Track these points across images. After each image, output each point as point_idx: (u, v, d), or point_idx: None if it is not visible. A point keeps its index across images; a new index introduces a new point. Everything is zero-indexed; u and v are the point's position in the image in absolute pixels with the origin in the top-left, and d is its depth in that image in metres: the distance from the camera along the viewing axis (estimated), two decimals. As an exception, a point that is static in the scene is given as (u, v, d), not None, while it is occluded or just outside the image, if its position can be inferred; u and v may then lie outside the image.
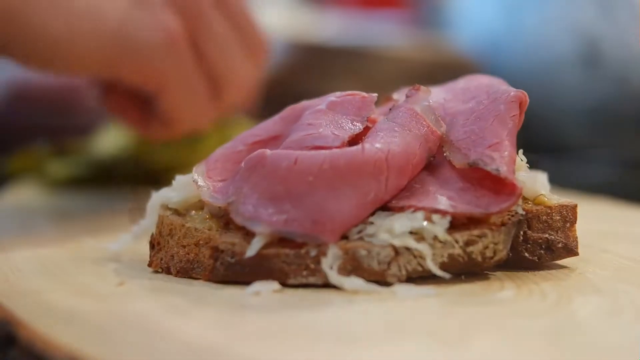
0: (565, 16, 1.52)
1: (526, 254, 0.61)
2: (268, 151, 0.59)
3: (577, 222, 0.62)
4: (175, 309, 0.53)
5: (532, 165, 0.65)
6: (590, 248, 0.66)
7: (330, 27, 1.70)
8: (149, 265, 0.62)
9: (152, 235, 0.63)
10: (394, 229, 0.57)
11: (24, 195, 0.96)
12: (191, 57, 0.81)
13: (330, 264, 0.57)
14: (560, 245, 0.61)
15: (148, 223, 0.64)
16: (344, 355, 0.46)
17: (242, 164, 0.59)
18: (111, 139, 1.04)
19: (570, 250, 0.61)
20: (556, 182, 1.04)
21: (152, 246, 0.62)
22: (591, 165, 1.48)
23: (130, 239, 0.65)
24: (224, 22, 0.83)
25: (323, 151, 0.58)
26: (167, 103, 0.83)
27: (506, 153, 0.59)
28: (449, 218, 0.58)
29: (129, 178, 0.99)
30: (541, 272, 0.61)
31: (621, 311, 0.53)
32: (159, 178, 0.89)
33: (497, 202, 0.58)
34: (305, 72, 1.53)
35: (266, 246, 0.57)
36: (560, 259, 0.62)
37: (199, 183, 0.62)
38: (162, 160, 0.98)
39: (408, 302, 0.54)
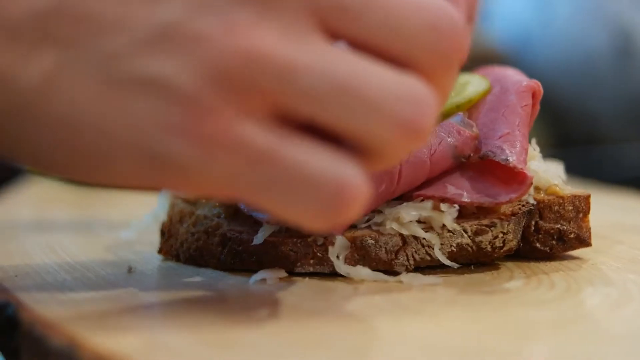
0: (599, 7, 1.50)
1: (538, 245, 0.60)
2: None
3: (595, 213, 0.61)
4: (181, 297, 0.53)
5: (555, 156, 0.64)
6: (605, 239, 0.65)
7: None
8: (159, 252, 0.62)
9: (163, 222, 0.63)
10: (401, 218, 0.57)
11: (45, 186, 0.96)
12: None
13: (337, 253, 0.56)
14: (572, 235, 0.60)
15: (159, 211, 0.64)
16: (347, 343, 0.46)
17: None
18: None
19: (583, 241, 0.61)
20: (587, 174, 1.03)
21: (162, 233, 0.62)
22: (625, 158, 1.46)
23: (142, 226, 0.65)
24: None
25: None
26: None
27: (517, 143, 0.58)
28: (457, 207, 0.57)
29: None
30: (553, 263, 0.60)
31: (629, 301, 0.52)
32: None
33: (506, 192, 0.57)
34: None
35: (273, 234, 0.57)
36: (573, 250, 0.61)
37: (209, 171, 0.61)
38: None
39: (414, 291, 0.54)
